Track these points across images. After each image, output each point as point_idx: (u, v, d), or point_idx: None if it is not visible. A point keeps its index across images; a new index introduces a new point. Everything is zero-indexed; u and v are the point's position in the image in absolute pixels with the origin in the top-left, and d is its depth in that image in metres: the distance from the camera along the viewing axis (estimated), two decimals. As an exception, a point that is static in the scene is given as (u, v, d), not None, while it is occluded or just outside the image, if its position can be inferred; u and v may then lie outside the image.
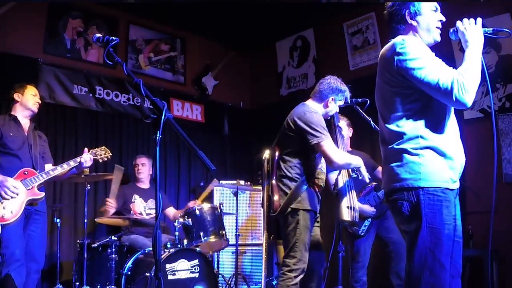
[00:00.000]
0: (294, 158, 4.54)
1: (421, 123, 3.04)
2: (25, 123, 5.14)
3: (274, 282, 7.07)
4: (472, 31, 3.06)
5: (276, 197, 4.61)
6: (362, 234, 5.68)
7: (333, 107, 4.76)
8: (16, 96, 5.09)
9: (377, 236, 5.86)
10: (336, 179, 4.68)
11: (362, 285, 5.74)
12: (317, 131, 4.37)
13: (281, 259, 4.48)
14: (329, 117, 4.88)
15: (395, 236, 5.70)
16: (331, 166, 4.43)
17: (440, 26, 3.22)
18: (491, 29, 3.11)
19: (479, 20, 3.06)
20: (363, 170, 4.68)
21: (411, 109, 3.05)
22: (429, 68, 2.92)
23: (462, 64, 2.96)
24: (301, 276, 4.36)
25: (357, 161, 4.59)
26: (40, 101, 5.24)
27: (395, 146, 3.10)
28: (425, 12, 3.17)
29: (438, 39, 3.22)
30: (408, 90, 3.03)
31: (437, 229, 2.96)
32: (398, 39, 3.08)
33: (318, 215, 4.65)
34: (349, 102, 5.04)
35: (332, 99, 4.70)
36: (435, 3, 3.21)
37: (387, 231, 5.80)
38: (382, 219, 5.80)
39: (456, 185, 3.10)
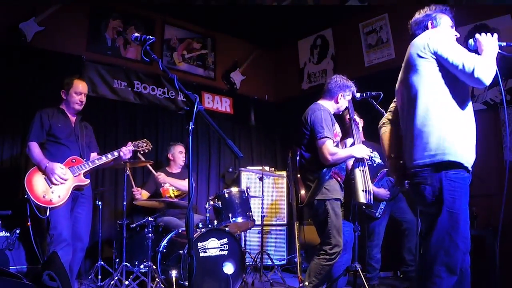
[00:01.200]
0: (312, 153, 4.55)
1: (446, 100, 3.17)
2: (71, 115, 5.20)
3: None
4: (489, 41, 3.26)
5: (302, 191, 4.67)
6: (379, 216, 5.70)
7: (343, 102, 4.79)
8: (62, 93, 5.12)
9: (391, 217, 5.87)
10: (352, 166, 4.67)
11: (376, 262, 5.77)
12: (322, 127, 4.41)
13: (303, 238, 4.49)
14: (341, 112, 4.91)
15: (409, 216, 5.79)
16: (324, 162, 4.42)
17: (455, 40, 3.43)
18: (505, 43, 3.35)
19: (495, 35, 3.28)
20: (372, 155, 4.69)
21: (437, 85, 3.18)
22: (455, 51, 3.11)
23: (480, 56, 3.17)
24: (337, 258, 4.43)
25: (358, 153, 4.56)
26: (83, 100, 5.16)
27: (418, 125, 3.18)
28: (443, 25, 3.44)
29: None
30: (436, 64, 3.18)
31: (456, 214, 3.04)
32: (429, 30, 3.39)
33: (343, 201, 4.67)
34: (364, 95, 5.06)
35: (341, 95, 4.75)
36: (451, 22, 3.48)
37: (401, 212, 5.84)
38: (395, 201, 5.83)
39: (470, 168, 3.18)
